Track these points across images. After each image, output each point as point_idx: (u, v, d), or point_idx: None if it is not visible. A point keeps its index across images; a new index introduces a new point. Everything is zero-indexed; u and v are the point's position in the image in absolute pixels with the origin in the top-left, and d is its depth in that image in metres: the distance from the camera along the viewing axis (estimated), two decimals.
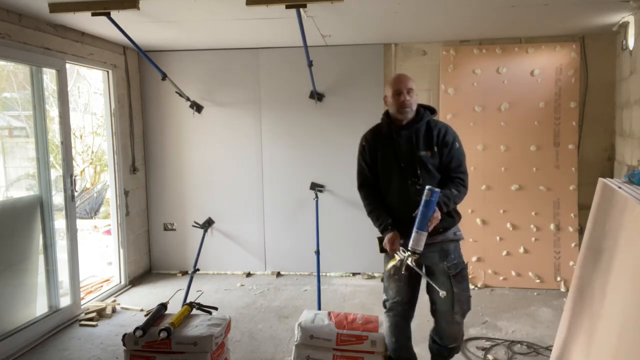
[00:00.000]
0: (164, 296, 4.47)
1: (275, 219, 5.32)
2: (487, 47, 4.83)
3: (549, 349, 3.38)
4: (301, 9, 3.38)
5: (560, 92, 4.73)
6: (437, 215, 2.43)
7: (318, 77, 4.88)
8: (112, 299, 4.62)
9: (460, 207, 5.22)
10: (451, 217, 2.67)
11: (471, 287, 4.77)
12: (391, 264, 2.58)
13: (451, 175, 2.63)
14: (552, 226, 4.74)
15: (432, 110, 2.76)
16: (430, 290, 2.68)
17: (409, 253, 2.41)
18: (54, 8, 3.45)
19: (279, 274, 5.35)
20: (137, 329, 2.70)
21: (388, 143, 2.68)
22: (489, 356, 3.36)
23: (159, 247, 5.53)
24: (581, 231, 4.55)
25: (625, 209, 2.15)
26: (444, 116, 4.89)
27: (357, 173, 2.87)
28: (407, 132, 2.63)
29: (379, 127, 2.79)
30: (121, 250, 5.00)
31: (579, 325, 2.39)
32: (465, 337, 3.65)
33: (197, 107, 5.20)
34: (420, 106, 2.72)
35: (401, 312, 2.73)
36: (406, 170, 2.62)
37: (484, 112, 4.84)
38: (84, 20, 3.90)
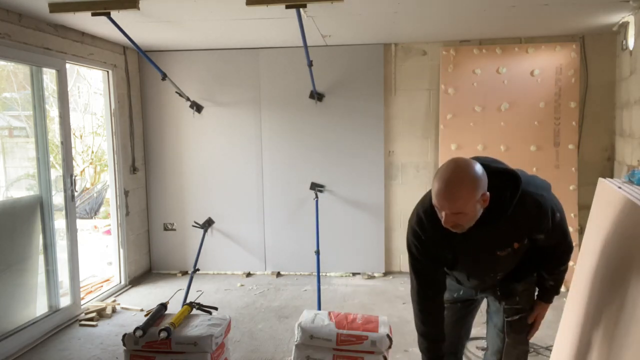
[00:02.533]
0: (164, 296, 4.46)
1: (275, 219, 5.32)
2: (487, 47, 4.83)
3: (549, 349, 3.37)
4: (301, 9, 3.38)
5: (560, 92, 4.73)
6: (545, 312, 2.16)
7: (318, 77, 4.88)
8: (112, 299, 4.62)
9: None
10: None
11: None
12: None
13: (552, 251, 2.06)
14: None
15: (515, 185, 1.82)
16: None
17: None
18: (54, 8, 3.45)
19: (279, 274, 5.35)
20: (137, 329, 2.69)
21: (450, 241, 1.92)
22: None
23: (159, 247, 5.53)
24: (581, 231, 4.54)
25: (625, 209, 2.15)
26: (444, 116, 4.89)
27: (415, 274, 2.07)
28: (476, 232, 1.84)
29: (433, 212, 1.84)
30: (121, 250, 5.00)
31: (579, 326, 2.39)
32: None
33: (197, 107, 5.20)
34: (496, 185, 1.79)
35: (457, 350, 2.39)
36: (482, 268, 2.08)
37: (484, 112, 4.84)
38: (84, 20, 3.90)
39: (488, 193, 1.75)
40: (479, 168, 1.74)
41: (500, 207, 1.80)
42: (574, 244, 2.12)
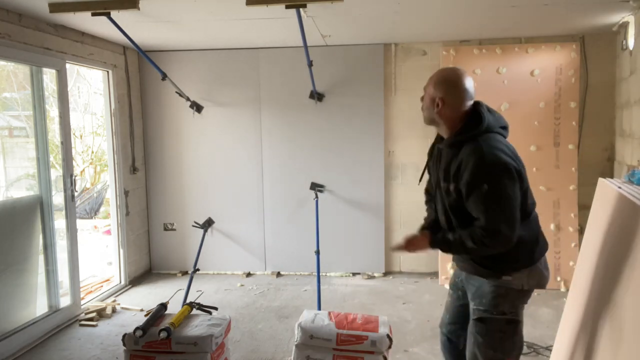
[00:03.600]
0: (164, 296, 4.46)
1: (275, 219, 5.32)
2: (487, 47, 4.83)
3: (549, 349, 3.38)
4: (301, 9, 3.38)
5: (560, 92, 4.73)
6: (419, 245, 2.13)
7: (318, 77, 4.88)
8: (112, 299, 4.62)
9: None
10: (484, 267, 2.09)
11: None
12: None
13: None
14: (552, 226, 4.74)
15: (477, 122, 2.00)
16: None
17: None
18: (54, 8, 3.45)
19: (279, 274, 5.35)
20: (137, 329, 2.69)
21: (433, 158, 2.23)
22: None
23: (159, 247, 5.53)
24: (581, 231, 4.54)
25: (624, 208, 2.15)
26: None
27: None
28: (441, 150, 2.12)
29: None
30: (121, 250, 5.00)
31: (579, 325, 2.39)
32: None
33: (197, 107, 5.20)
34: (473, 114, 2.02)
35: (446, 331, 2.41)
36: (435, 197, 2.21)
37: None
38: (84, 20, 3.90)
39: (444, 101, 2.02)
40: (458, 80, 2.04)
41: (459, 135, 2.02)
42: (501, 240, 1.92)
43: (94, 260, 5.59)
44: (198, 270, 4.61)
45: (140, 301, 4.59)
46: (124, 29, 3.82)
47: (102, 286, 4.93)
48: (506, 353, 2.08)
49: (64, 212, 4.19)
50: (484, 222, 1.92)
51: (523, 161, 2.08)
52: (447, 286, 4.80)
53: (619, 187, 2.37)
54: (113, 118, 4.88)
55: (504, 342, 2.08)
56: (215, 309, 3.16)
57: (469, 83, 2.05)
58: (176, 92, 4.97)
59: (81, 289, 4.41)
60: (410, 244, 2.18)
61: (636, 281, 1.79)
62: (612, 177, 4.50)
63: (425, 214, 2.41)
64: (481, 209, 1.93)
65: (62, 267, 4.19)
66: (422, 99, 2.14)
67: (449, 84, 2.04)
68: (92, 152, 8.65)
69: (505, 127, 2.10)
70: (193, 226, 5.20)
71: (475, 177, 1.91)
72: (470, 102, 2.06)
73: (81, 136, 8.54)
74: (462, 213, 2.03)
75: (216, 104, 5.28)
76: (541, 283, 2.10)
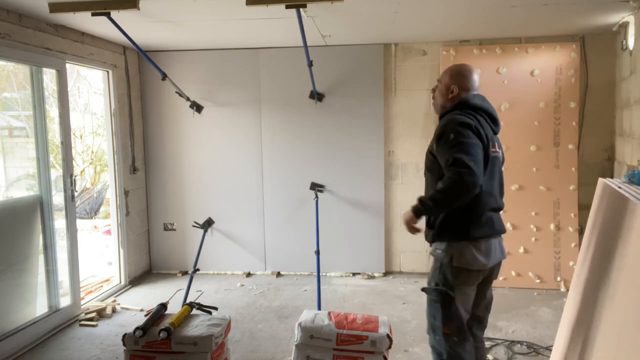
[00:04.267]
0: (164, 296, 4.47)
1: (275, 219, 5.32)
2: (487, 47, 4.83)
3: (549, 349, 3.38)
4: (301, 9, 3.38)
5: (560, 92, 4.74)
6: (407, 216, 2.27)
7: (318, 77, 4.88)
8: (112, 299, 4.62)
9: None
10: (430, 227, 2.36)
11: None
12: None
13: None
14: (552, 226, 4.74)
15: (457, 105, 2.39)
16: None
17: None
18: (54, 8, 3.45)
19: (279, 274, 5.35)
20: (137, 329, 2.69)
21: None
22: (489, 356, 3.36)
23: (159, 247, 5.53)
24: (581, 231, 4.55)
25: (625, 209, 2.15)
26: None
27: None
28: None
29: None
30: (121, 250, 5.00)
31: (579, 326, 2.39)
32: None
33: (197, 107, 5.20)
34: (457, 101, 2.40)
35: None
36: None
37: None
38: (84, 20, 3.90)
39: (454, 90, 2.41)
40: (469, 73, 2.46)
41: (448, 110, 2.41)
42: (463, 168, 2.08)
43: (94, 260, 5.59)
44: (198, 270, 4.61)
45: (140, 301, 4.59)
46: (124, 29, 3.82)
47: (102, 286, 4.93)
48: (443, 322, 2.29)
49: (64, 212, 4.19)
50: (454, 159, 2.12)
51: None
52: None
53: (619, 187, 2.37)
54: (113, 118, 4.88)
55: (440, 312, 2.30)
56: (215, 309, 3.16)
57: (476, 77, 2.49)
58: (176, 92, 4.97)
59: (81, 289, 4.41)
60: (404, 222, 2.31)
61: (636, 281, 1.79)
62: (612, 177, 4.51)
63: None
64: (448, 151, 2.17)
65: (62, 267, 4.19)
66: (434, 90, 2.52)
67: (462, 75, 2.44)
68: (92, 152, 8.64)
69: (491, 116, 2.44)
70: (193, 226, 5.20)
71: (444, 129, 2.24)
72: (473, 92, 2.45)
73: (81, 136, 8.54)
74: (436, 174, 2.29)
75: (216, 104, 5.28)
76: (471, 263, 2.24)
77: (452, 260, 2.25)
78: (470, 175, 2.07)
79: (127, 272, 5.04)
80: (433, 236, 2.34)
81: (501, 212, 2.44)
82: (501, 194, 2.42)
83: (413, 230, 2.29)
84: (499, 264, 2.41)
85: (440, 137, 2.23)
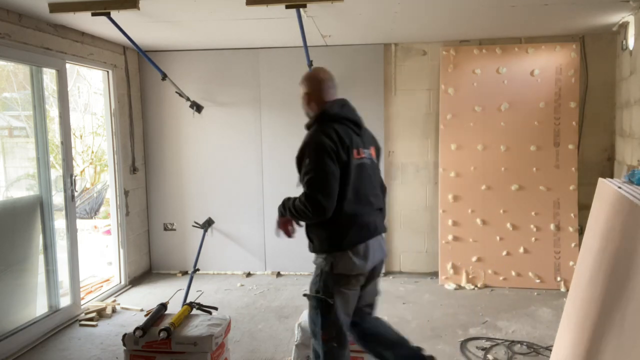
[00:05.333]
0: (164, 296, 4.47)
1: (275, 219, 5.30)
2: (487, 47, 4.83)
3: (549, 349, 3.38)
4: (301, 9, 3.38)
5: (560, 92, 4.73)
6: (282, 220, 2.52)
7: None
8: (112, 299, 4.62)
9: (460, 206, 5.17)
10: (310, 241, 2.49)
11: (471, 287, 4.78)
12: None
13: None
14: (552, 226, 4.74)
15: (317, 118, 2.48)
16: None
17: None
18: (54, 8, 3.45)
19: (279, 274, 5.35)
20: (137, 329, 2.70)
21: None
22: (489, 356, 3.36)
23: (159, 247, 5.53)
24: (581, 231, 4.55)
25: (625, 209, 2.15)
26: (444, 116, 4.90)
27: None
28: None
29: None
30: (121, 250, 5.00)
31: (579, 326, 2.39)
32: (465, 337, 3.66)
33: (197, 107, 5.20)
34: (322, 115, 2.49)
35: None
36: None
37: (484, 112, 4.84)
38: (84, 20, 3.90)
39: (308, 96, 2.53)
40: (321, 80, 2.56)
41: (310, 122, 2.52)
42: (314, 202, 2.25)
43: (94, 260, 5.59)
44: (198, 270, 4.61)
45: (140, 301, 4.59)
46: (124, 29, 3.82)
47: (102, 286, 4.93)
48: (322, 328, 2.38)
49: (64, 212, 4.19)
50: (306, 189, 2.28)
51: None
52: (447, 286, 4.81)
53: (619, 187, 2.37)
54: (113, 118, 4.88)
55: (319, 319, 2.38)
56: (215, 309, 3.16)
57: (331, 81, 2.57)
58: (176, 92, 4.97)
59: (81, 289, 4.41)
60: (279, 226, 2.58)
61: (636, 281, 1.79)
62: (612, 177, 4.51)
63: None
64: (304, 179, 2.30)
65: (62, 267, 4.19)
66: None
67: (312, 79, 2.56)
68: (92, 152, 8.64)
69: (352, 121, 2.48)
70: (193, 226, 5.19)
71: (303, 151, 2.36)
72: (332, 99, 2.50)
73: (81, 136, 8.54)
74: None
75: (216, 104, 5.28)
76: (350, 269, 2.34)
77: (332, 268, 2.34)
78: (324, 211, 2.25)
79: (127, 272, 5.04)
80: (314, 247, 2.46)
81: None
82: (383, 192, 2.60)
83: (287, 232, 2.56)
84: (380, 263, 2.53)
85: (300, 157, 2.37)
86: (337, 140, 2.32)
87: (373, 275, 2.52)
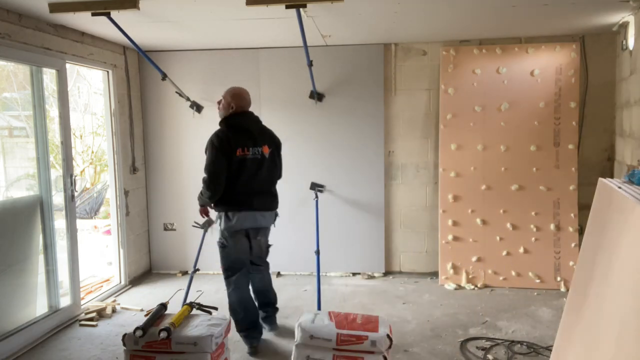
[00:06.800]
0: (164, 296, 4.46)
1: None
2: (487, 47, 4.83)
3: (549, 349, 3.38)
4: (301, 9, 3.38)
5: (560, 92, 4.74)
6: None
7: (318, 77, 4.88)
8: (112, 299, 4.62)
9: (460, 206, 5.20)
10: (216, 205, 3.52)
11: (471, 287, 4.78)
12: None
13: None
14: (552, 226, 4.74)
15: (221, 122, 3.49)
16: None
17: None
18: (54, 8, 3.45)
19: (279, 274, 5.34)
20: (137, 329, 2.70)
21: None
22: (489, 356, 3.36)
23: (159, 247, 5.53)
24: (581, 231, 4.55)
25: (625, 209, 2.15)
26: (444, 116, 4.90)
27: None
28: None
29: None
30: (121, 250, 5.00)
31: (579, 326, 2.39)
32: (465, 337, 3.66)
33: (197, 107, 5.20)
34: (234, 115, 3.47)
35: None
36: None
37: (484, 112, 4.84)
38: (84, 20, 3.90)
39: (223, 103, 3.50)
40: (235, 94, 3.50)
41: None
42: (205, 183, 3.35)
43: (94, 260, 5.59)
44: (198, 270, 4.60)
45: (140, 301, 4.59)
46: (124, 29, 3.82)
47: (102, 286, 4.93)
48: (223, 263, 3.52)
49: (64, 212, 4.19)
50: (205, 170, 3.34)
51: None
52: (447, 286, 4.81)
53: (619, 187, 2.37)
54: (113, 118, 4.88)
55: (221, 256, 3.52)
56: (216, 309, 3.16)
57: (245, 101, 3.52)
58: (176, 92, 4.96)
59: (81, 289, 4.41)
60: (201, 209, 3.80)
61: (636, 281, 1.79)
62: (612, 177, 4.51)
63: None
64: (205, 162, 3.34)
65: (62, 267, 4.19)
66: (220, 102, 3.53)
67: (230, 94, 3.49)
68: (92, 152, 8.64)
69: (245, 128, 3.42)
70: (193, 226, 5.18)
71: (208, 143, 3.36)
72: (238, 110, 3.46)
73: (81, 136, 8.54)
74: None
75: (216, 104, 5.27)
76: (231, 226, 3.40)
77: (221, 223, 3.44)
78: (211, 189, 3.33)
79: (127, 272, 5.04)
80: (215, 208, 3.52)
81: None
82: (270, 182, 3.56)
83: (203, 213, 3.81)
84: (257, 228, 3.51)
85: (206, 147, 3.37)
86: (226, 139, 3.30)
87: (254, 233, 3.52)
